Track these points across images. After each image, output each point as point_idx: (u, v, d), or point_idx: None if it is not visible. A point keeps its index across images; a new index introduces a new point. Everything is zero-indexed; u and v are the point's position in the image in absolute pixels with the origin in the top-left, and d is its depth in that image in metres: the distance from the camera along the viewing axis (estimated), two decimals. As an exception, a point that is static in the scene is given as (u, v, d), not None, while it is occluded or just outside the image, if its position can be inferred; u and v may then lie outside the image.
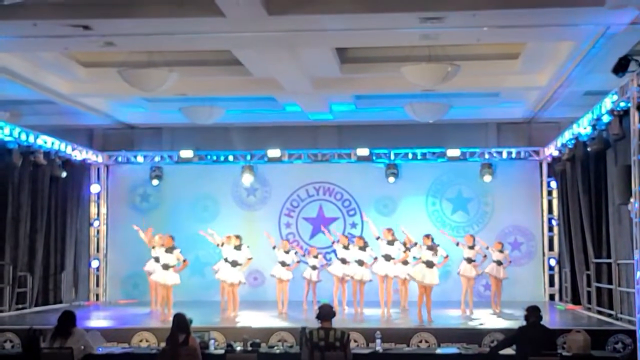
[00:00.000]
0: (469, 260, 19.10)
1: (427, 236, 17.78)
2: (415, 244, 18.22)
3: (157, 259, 18.83)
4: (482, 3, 13.40)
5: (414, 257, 18.17)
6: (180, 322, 11.64)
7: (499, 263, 19.52)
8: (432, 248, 17.39)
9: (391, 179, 23.64)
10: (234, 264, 18.55)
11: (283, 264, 19.48)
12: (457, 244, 19.35)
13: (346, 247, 19.37)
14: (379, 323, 17.00)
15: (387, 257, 18.35)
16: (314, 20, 14.03)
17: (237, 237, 18.99)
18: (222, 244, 19.14)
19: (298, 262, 20.14)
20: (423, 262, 17.35)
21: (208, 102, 20.39)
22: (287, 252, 19.68)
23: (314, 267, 20.28)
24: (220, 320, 17.88)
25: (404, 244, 18.66)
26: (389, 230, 18.76)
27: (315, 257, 20.41)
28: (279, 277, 19.42)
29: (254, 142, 23.58)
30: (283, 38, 15.11)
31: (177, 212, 23.89)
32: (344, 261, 19.32)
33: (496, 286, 19.81)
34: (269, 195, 24.41)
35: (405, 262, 18.69)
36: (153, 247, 19.12)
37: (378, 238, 18.72)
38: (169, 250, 18.28)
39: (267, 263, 20.50)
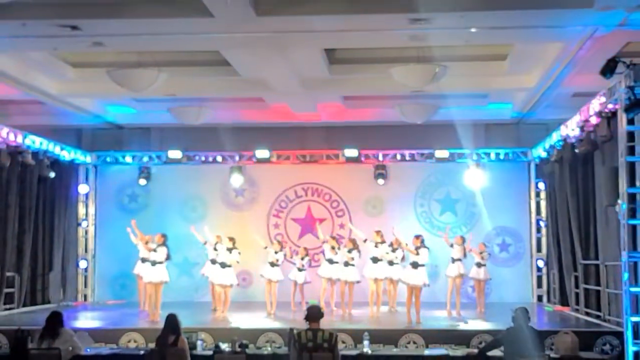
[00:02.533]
0: (453, 260, 19.18)
1: (417, 237, 17.85)
2: (398, 245, 18.33)
3: (143, 260, 18.81)
4: (470, 4, 13.41)
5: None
6: (172, 323, 11.68)
7: (479, 265, 19.64)
8: (417, 249, 17.44)
9: (379, 180, 23.65)
10: (223, 265, 18.54)
11: (272, 264, 19.49)
12: (452, 246, 19.39)
13: (334, 248, 19.40)
14: (367, 324, 17.01)
15: (375, 260, 18.35)
16: (302, 21, 14.01)
17: (231, 239, 19.02)
18: (216, 243, 19.13)
19: (283, 261, 20.09)
20: (410, 263, 17.42)
21: (196, 103, 20.38)
22: (277, 252, 19.68)
23: (299, 269, 20.25)
24: (210, 320, 17.87)
25: (391, 245, 18.69)
26: (378, 232, 18.77)
27: (302, 258, 20.38)
28: (268, 277, 19.42)
29: (242, 143, 23.54)
30: (271, 39, 15.09)
31: (165, 213, 23.83)
32: (331, 262, 19.36)
33: (478, 288, 19.95)
34: (257, 196, 24.40)
35: (390, 263, 18.74)
36: (146, 243, 18.94)
37: (365, 240, 18.75)
38: (158, 246, 18.12)
39: (256, 264, 20.49)
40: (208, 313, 19.12)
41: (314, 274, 20.44)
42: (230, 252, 18.67)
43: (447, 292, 19.32)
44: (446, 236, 19.82)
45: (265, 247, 19.86)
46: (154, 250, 18.02)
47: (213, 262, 18.91)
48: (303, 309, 17.67)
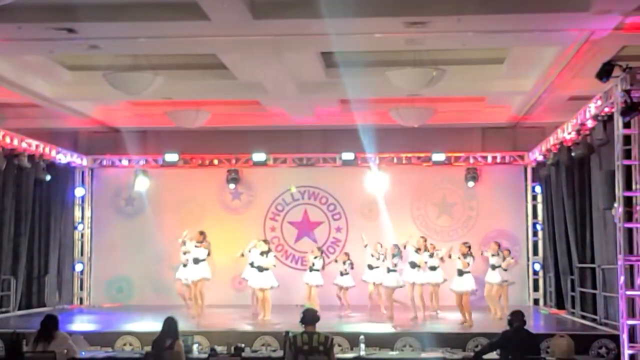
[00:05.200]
0: (493, 267, 19.18)
1: (464, 244, 18.07)
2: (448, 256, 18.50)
3: (185, 265, 19.06)
4: (467, 8, 13.41)
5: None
6: (171, 326, 11.67)
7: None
8: (464, 256, 17.65)
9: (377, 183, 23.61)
10: (260, 269, 18.55)
11: (311, 269, 19.74)
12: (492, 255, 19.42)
13: (373, 255, 19.71)
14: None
15: (413, 265, 18.54)
16: (299, 24, 14.03)
17: (265, 241, 19.32)
18: (250, 251, 19.22)
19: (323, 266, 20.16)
20: (456, 270, 17.84)
21: (193, 106, 20.36)
22: (316, 257, 19.84)
23: (342, 273, 20.28)
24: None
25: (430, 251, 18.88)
26: (423, 238, 19.12)
27: (344, 263, 20.37)
28: (306, 282, 19.74)
29: (238, 146, 23.54)
30: (268, 42, 15.10)
31: (162, 216, 23.82)
32: (371, 267, 19.81)
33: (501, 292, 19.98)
34: (253, 200, 24.37)
35: (433, 268, 18.94)
36: (184, 243, 19.21)
37: (405, 247, 18.94)
38: (199, 243, 18.54)
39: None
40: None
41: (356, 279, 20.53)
42: (266, 256, 18.69)
43: (489, 299, 19.29)
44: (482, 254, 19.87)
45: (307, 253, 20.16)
46: (197, 246, 18.50)
47: (252, 265, 18.96)
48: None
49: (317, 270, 19.71)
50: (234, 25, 13.98)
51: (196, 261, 18.56)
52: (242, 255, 19.52)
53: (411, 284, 18.76)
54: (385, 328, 16.93)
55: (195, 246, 18.82)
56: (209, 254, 18.84)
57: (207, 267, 18.84)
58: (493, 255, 19.19)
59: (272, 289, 18.71)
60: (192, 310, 18.64)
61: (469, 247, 17.90)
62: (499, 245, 19.56)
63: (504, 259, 19.29)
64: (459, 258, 17.85)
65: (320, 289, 19.86)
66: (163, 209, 24.07)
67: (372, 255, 19.86)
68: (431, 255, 18.77)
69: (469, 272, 17.61)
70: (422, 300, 18.77)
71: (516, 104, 20.80)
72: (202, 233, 19.08)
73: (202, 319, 17.91)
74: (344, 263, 20.37)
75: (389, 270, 19.03)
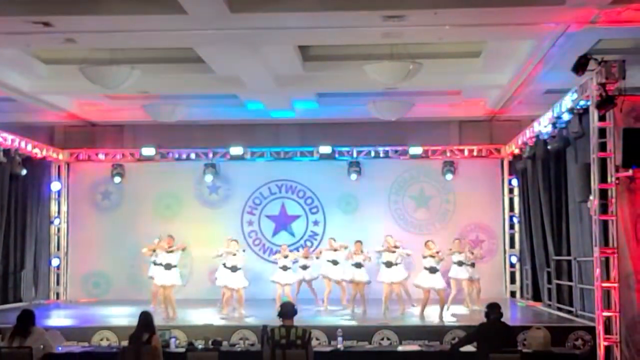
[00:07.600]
0: (460, 264, 19.22)
1: (428, 243, 18.10)
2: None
3: (155, 263, 18.82)
4: (443, 1, 13.45)
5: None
6: (147, 321, 11.65)
7: (473, 265, 19.65)
8: (433, 255, 17.64)
9: (354, 177, 23.66)
10: (234, 269, 18.48)
11: (284, 268, 19.59)
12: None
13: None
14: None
15: (389, 264, 18.48)
16: (276, 18, 14.02)
17: (236, 241, 19.22)
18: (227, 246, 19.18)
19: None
20: (426, 268, 17.67)
21: (170, 100, 20.30)
22: (286, 256, 19.76)
23: (304, 267, 20.29)
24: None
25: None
26: (391, 237, 19.10)
27: (305, 257, 20.39)
28: (278, 281, 19.49)
29: (216, 140, 23.50)
30: (245, 36, 15.08)
31: (139, 210, 23.76)
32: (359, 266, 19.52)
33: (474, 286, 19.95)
34: (231, 193, 24.31)
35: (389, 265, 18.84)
36: (153, 251, 18.92)
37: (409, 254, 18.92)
38: (170, 250, 18.18)
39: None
40: (186, 311, 18.88)
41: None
42: (235, 255, 18.65)
43: (465, 295, 19.43)
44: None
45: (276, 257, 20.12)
46: (170, 252, 18.12)
47: (225, 265, 18.86)
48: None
49: (289, 268, 19.68)
50: (211, 19, 13.95)
51: (168, 267, 18.11)
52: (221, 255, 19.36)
53: (388, 284, 18.65)
54: (363, 321, 16.97)
55: (167, 251, 18.28)
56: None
57: (177, 273, 18.24)
58: (459, 252, 19.32)
59: (243, 288, 18.64)
60: (163, 314, 18.30)
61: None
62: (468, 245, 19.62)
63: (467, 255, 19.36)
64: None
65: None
66: (140, 203, 23.99)
67: (336, 250, 19.85)
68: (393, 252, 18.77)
69: (438, 270, 17.64)
70: (399, 296, 18.80)
71: (493, 97, 20.86)
72: (170, 237, 18.63)
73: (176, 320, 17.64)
74: (305, 258, 20.40)
75: (359, 266, 18.98)
